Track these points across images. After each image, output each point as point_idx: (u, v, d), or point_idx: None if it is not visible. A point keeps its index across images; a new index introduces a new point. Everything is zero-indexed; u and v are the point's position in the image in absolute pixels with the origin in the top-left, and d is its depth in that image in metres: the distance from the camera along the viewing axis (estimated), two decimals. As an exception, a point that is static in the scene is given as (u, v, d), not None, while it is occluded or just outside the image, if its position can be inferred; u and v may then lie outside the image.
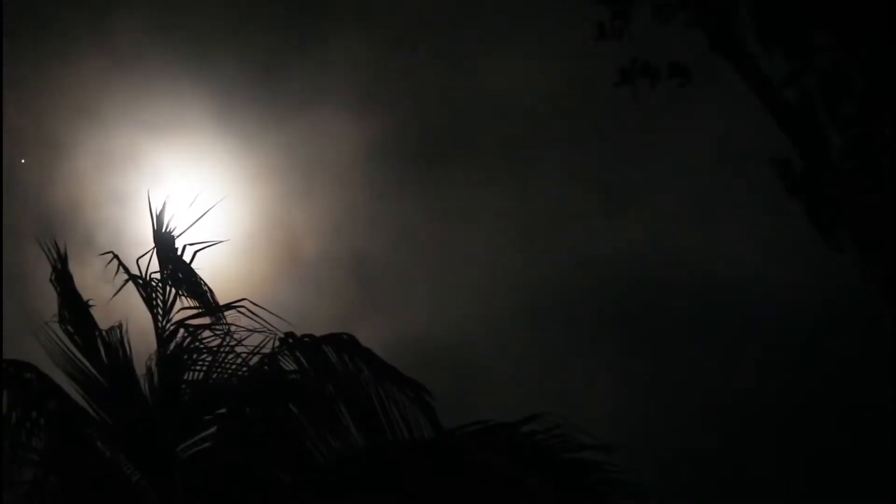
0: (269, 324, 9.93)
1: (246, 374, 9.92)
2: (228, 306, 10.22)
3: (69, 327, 9.81)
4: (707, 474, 16.20)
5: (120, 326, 9.94)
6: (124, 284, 10.19)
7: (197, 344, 10.04)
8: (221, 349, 9.97)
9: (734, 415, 17.12)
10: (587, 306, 18.44)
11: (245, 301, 10.13)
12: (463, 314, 18.99)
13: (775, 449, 16.70)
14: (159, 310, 10.05)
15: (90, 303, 10.06)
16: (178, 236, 10.46)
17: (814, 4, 7.91)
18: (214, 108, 19.00)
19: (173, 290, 10.17)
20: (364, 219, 19.53)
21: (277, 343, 9.92)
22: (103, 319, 10.07)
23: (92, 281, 10.25)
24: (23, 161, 16.43)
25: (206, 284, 10.42)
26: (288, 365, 9.98)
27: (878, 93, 7.68)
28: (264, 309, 10.05)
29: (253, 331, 9.97)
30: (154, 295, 10.09)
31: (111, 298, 10.24)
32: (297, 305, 18.37)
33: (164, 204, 10.45)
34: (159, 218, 10.45)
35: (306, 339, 10.02)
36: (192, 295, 10.33)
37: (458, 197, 19.27)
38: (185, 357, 9.91)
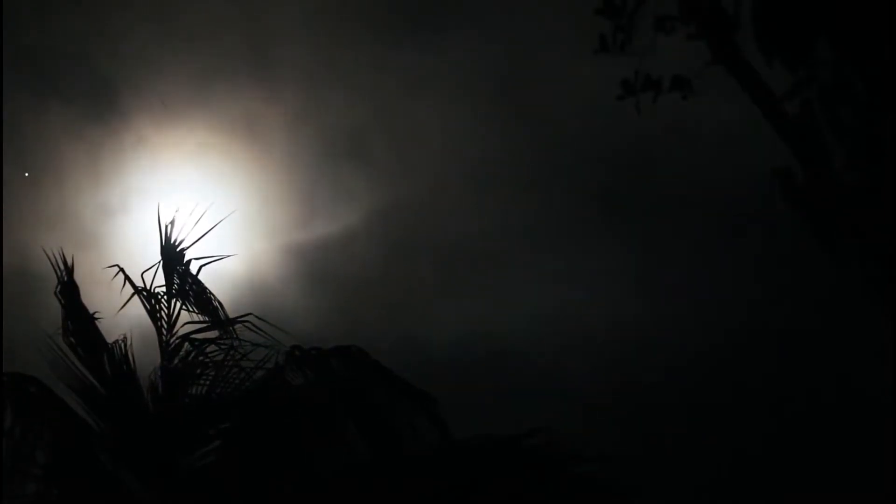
0: (275, 338, 9.92)
1: (251, 388, 9.90)
2: (234, 321, 10.20)
3: (72, 339, 9.82)
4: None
5: (124, 339, 9.93)
6: (130, 299, 10.19)
7: (202, 358, 10.02)
8: (226, 363, 9.95)
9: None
10: (574, 180, 17.89)
11: (251, 315, 10.13)
12: (442, 191, 18.52)
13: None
14: (163, 323, 10.04)
15: (96, 315, 10.06)
16: (185, 249, 10.44)
17: (815, 16, 7.87)
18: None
19: (178, 304, 10.15)
20: (337, 94, 18.95)
21: (283, 357, 9.90)
22: (109, 331, 10.07)
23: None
24: (26, 174, 16.47)
25: (217, 300, 10.40)
26: (294, 378, 9.96)
27: (881, 103, 7.62)
28: (270, 324, 10.04)
29: (258, 345, 9.95)
30: (158, 307, 10.08)
31: (117, 312, 10.23)
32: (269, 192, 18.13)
33: (174, 218, 10.44)
34: (167, 231, 10.43)
35: (313, 351, 10.01)
36: (200, 309, 10.31)
37: (433, 66, 18.55)
38: (190, 371, 9.89)
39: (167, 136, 17.67)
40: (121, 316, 10.20)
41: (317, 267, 18.31)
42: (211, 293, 10.42)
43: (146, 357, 10.00)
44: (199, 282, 10.43)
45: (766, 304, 16.71)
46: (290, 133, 18.42)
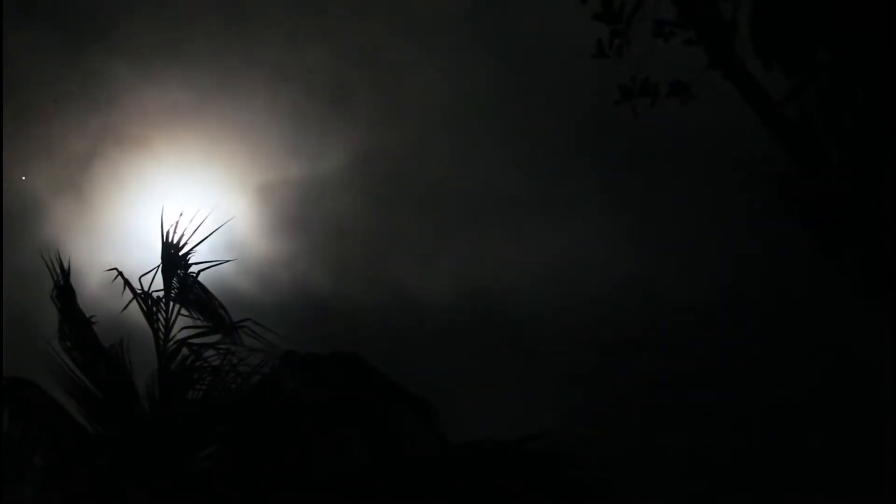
0: (272, 342, 9.91)
1: (248, 392, 9.88)
2: (233, 325, 10.16)
3: (69, 344, 9.78)
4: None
5: (121, 343, 9.89)
6: (129, 303, 10.14)
7: (200, 363, 9.99)
8: (223, 368, 9.92)
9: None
10: (563, 127, 17.64)
11: (248, 321, 10.11)
12: (426, 136, 18.29)
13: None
14: (160, 326, 10.00)
15: (93, 319, 10.01)
16: (187, 254, 10.38)
17: (813, 21, 7.86)
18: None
19: (176, 308, 10.11)
20: (318, 39, 18.76)
21: (279, 361, 9.88)
22: (107, 335, 10.04)
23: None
24: (23, 178, 16.47)
25: (221, 306, 10.34)
26: (291, 383, 9.95)
27: (879, 108, 7.61)
28: (267, 328, 10.02)
29: (255, 349, 9.93)
30: (155, 309, 10.03)
31: (119, 314, 10.20)
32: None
33: (176, 223, 10.38)
34: (168, 236, 10.37)
35: (309, 356, 9.98)
36: (203, 315, 10.26)
37: (415, 10, 18.20)
38: (187, 376, 9.87)
39: (141, 90, 17.64)
40: (119, 319, 10.18)
41: (296, 213, 18.19)
42: (216, 299, 10.36)
43: (144, 360, 9.97)
44: (203, 286, 10.38)
45: (766, 304, 16.68)
46: (270, 79, 18.33)
